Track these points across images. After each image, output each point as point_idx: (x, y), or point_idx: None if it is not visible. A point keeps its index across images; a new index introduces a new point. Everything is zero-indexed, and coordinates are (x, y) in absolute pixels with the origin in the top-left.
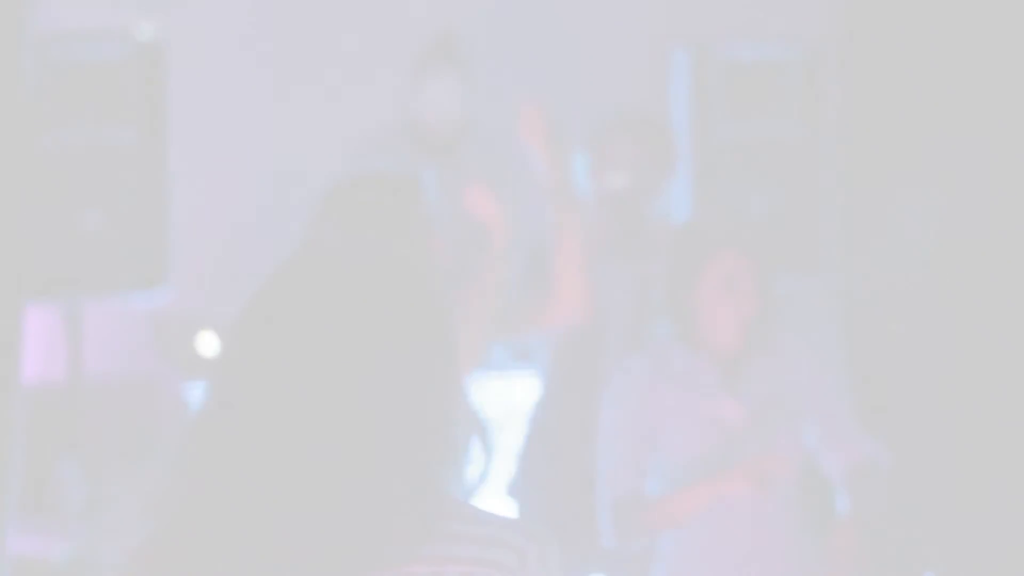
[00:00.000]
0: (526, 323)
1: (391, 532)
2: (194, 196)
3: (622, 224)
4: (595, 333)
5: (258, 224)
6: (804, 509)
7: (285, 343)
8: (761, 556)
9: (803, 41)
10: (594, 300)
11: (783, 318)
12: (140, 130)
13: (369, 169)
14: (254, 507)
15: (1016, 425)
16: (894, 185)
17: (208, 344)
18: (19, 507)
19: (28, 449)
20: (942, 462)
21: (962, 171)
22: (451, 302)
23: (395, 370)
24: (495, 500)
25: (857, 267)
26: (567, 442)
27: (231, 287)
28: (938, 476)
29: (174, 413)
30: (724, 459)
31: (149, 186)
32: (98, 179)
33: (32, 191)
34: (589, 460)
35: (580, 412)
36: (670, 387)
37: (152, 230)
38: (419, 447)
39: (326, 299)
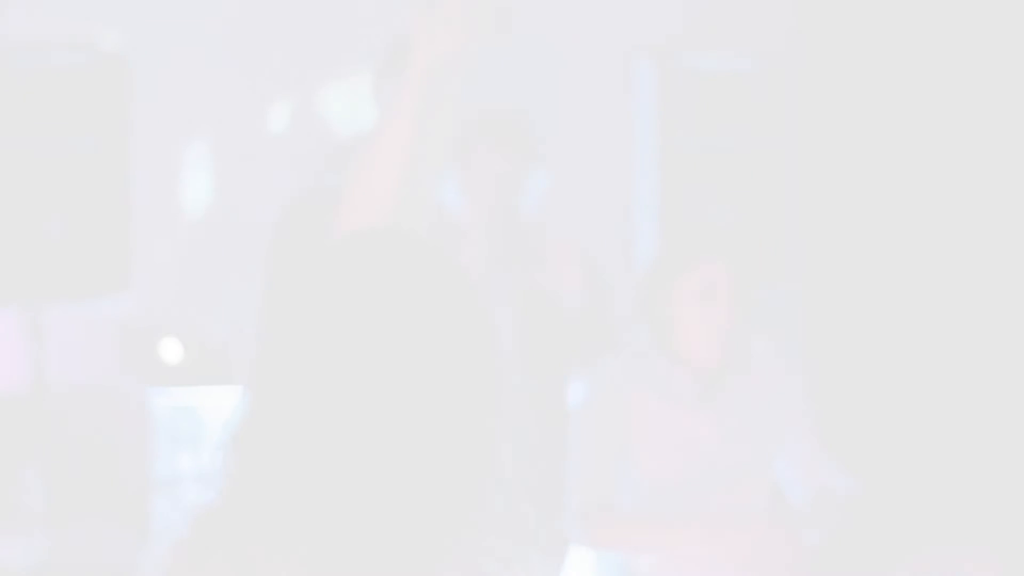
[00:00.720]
0: None
1: (419, 546)
2: (156, 203)
3: (497, 234)
4: None
5: (222, 231)
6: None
7: (331, 347)
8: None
9: (766, 51)
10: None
11: (755, 329)
12: (103, 138)
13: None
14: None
15: (982, 434)
16: (856, 194)
17: (171, 351)
18: None
19: None
20: (907, 474)
21: (924, 180)
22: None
23: (445, 385)
24: None
25: (819, 276)
26: None
27: (194, 294)
28: (904, 488)
29: (137, 419)
30: (697, 475)
31: (111, 193)
32: (61, 186)
33: None
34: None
35: None
36: (646, 398)
37: (114, 237)
38: (460, 464)
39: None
